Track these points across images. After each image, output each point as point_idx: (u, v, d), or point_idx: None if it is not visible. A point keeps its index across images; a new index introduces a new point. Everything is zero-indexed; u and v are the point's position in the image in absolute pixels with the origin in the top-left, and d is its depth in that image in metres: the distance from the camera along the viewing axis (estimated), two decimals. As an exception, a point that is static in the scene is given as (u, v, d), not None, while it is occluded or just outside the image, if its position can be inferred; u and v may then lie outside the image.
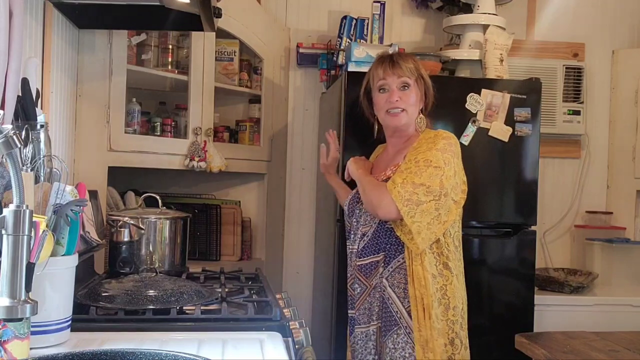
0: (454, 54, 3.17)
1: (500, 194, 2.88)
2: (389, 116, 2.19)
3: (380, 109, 2.22)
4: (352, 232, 2.25)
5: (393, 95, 2.16)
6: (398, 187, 2.02)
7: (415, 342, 2.04)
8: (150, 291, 1.66)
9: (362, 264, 2.17)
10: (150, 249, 2.15)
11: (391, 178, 2.08)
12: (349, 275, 2.28)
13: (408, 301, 2.07)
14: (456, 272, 2.13)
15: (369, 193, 2.12)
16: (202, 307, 1.64)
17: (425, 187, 2.02)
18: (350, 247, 2.25)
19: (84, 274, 1.85)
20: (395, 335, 2.08)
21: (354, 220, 2.24)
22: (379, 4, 3.25)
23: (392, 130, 2.24)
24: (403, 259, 2.09)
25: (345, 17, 3.29)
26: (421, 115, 2.23)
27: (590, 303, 3.08)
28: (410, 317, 2.06)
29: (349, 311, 2.27)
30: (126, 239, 2.14)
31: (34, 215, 1.06)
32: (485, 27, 3.12)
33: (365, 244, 2.17)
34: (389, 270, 2.11)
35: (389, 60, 2.20)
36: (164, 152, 2.66)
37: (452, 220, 2.09)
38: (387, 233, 2.13)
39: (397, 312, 2.09)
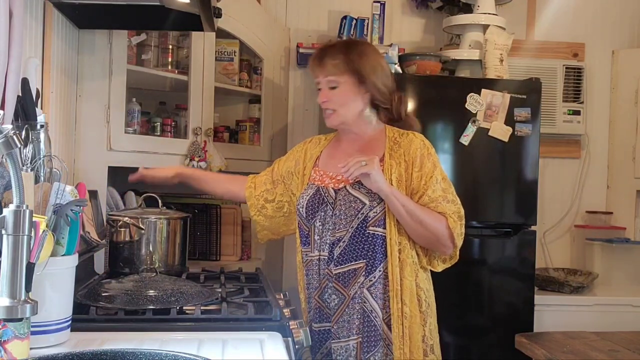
0: (454, 54, 3.17)
1: (500, 194, 2.88)
2: (325, 116, 2.06)
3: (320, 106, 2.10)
4: (315, 237, 2.02)
5: (321, 96, 2.03)
6: (454, 217, 1.96)
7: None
8: (150, 291, 1.66)
9: (340, 272, 1.96)
10: (150, 249, 2.15)
11: (441, 210, 1.95)
12: (314, 285, 2.03)
13: (387, 312, 1.93)
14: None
15: (430, 225, 1.94)
16: (202, 307, 1.63)
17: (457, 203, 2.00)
18: (312, 254, 2.03)
19: (84, 274, 1.85)
20: (379, 354, 1.92)
21: (318, 223, 2.01)
22: (379, 4, 3.25)
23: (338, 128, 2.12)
24: (385, 267, 1.94)
25: (345, 17, 3.29)
26: (367, 109, 2.05)
27: (590, 303, 3.08)
28: (391, 331, 1.92)
29: (317, 324, 2.02)
30: (126, 239, 2.14)
31: (34, 215, 1.06)
32: (485, 27, 3.12)
33: (343, 251, 1.96)
34: (370, 280, 1.94)
35: (317, 57, 2.04)
36: (164, 152, 2.66)
37: None
38: (368, 239, 1.95)
39: (380, 325, 1.93)
